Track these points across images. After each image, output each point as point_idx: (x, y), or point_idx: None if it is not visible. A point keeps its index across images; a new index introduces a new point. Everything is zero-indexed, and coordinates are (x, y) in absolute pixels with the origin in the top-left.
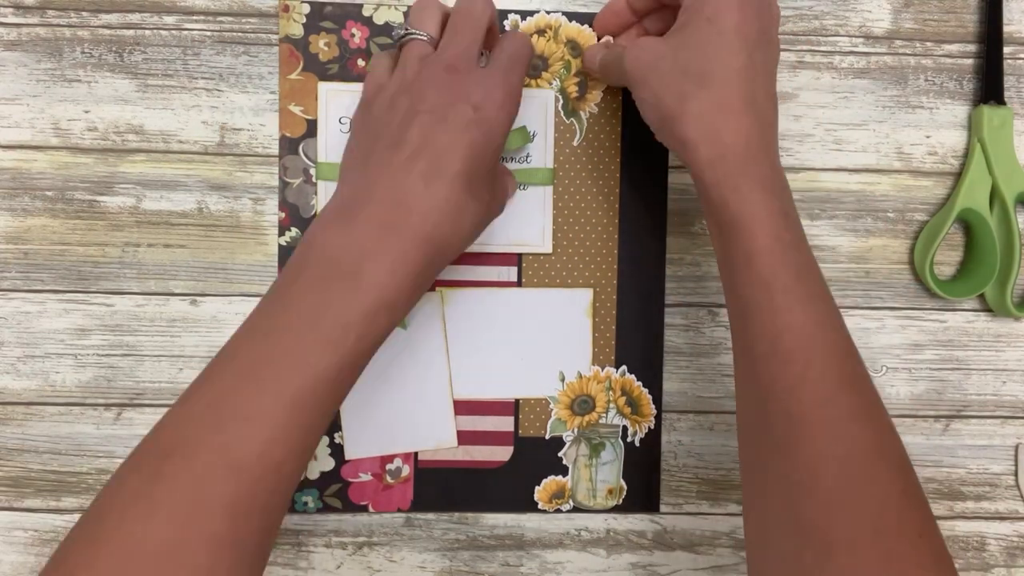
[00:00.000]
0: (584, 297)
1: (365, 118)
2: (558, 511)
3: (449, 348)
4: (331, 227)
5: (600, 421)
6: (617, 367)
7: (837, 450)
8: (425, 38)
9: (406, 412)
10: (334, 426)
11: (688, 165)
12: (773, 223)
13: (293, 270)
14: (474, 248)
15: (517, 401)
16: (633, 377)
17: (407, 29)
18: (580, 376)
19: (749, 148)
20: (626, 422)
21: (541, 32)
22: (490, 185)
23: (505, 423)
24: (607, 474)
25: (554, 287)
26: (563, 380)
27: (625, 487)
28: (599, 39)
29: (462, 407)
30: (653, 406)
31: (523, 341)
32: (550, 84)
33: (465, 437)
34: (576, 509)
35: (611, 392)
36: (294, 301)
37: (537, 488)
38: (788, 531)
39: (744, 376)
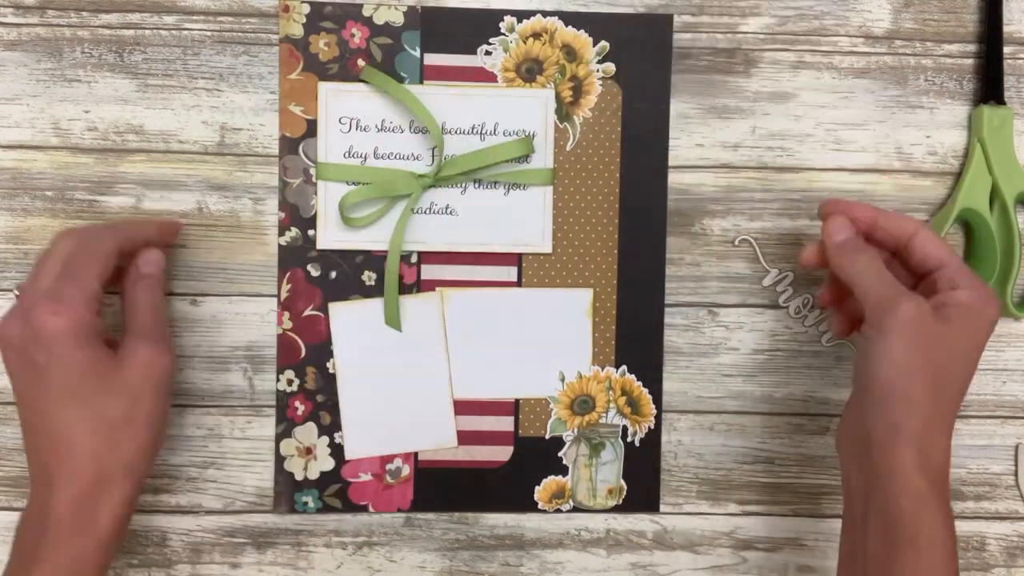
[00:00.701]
0: (584, 297)
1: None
2: (558, 511)
3: (449, 348)
4: (22, 513)
5: (600, 421)
6: (617, 367)
7: None
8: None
9: (406, 412)
10: (334, 426)
11: (878, 441)
12: (943, 512)
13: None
14: (474, 248)
15: (517, 401)
16: (633, 377)
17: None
18: (580, 376)
19: (944, 463)
20: (626, 422)
21: (537, 36)
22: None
23: (505, 423)
24: (607, 474)
25: (554, 287)
26: (563, 380)
27: (625, 487)
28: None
29: (462, 407)
30: (653, 406)
31: (523, 341)
32: (544, 87)
33: (465, 437)
34: (576, 509)
35: (611, 392)
36: None
37: (537, 488)
38: None
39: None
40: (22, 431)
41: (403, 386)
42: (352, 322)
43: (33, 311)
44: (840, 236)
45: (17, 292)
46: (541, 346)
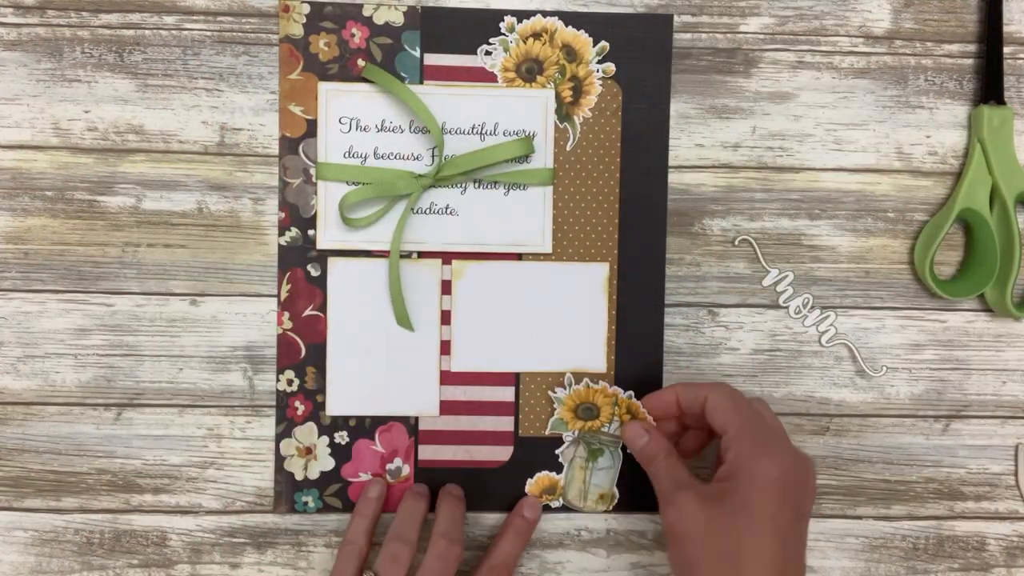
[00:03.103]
0: (600, 271)
1: None
2: (547, 508)
3: (454, 319)
4: None
5: (603, 429)
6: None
7: None
8: None
9: (392, 377)
10: (334, 426)
11: None
12: None
13: None
14: (474, 248)
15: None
16: (639, 403)
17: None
18: (588, 386)
19: None
20: None
21: (537, 36)
22: None
23: (505, 423)
24: (601, 479)
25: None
26: (570, 385)
27: (617, 495)
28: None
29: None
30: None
31: (537, 314)
32: (544, 87)
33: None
34: (564, 508)
35: (616, 408)
36: None
37: (529, 481)
38: None
39: None
40: None
41: (392, 350)
42: (350, 280)
43: None
44: (638, 443)
45: None
46: (555, 320)
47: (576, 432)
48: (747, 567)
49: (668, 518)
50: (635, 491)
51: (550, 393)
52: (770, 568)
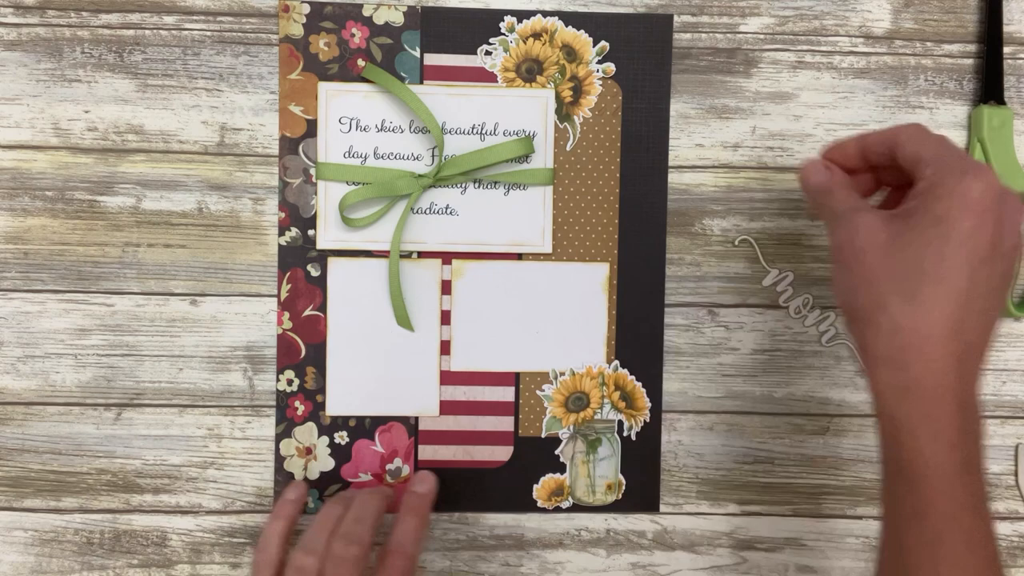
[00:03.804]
0: (600, 271)
1: None
2: (558, 509)
3: (454, 319)
4: None
5: (595, 417)
6: (610, 363)
7: None
8: None
9: (392, 377)
10: (334, 426)
11: (866, 376)
12: (949, 483)
13: None
14: (474, 248)
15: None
16: (626, 372)
17: None
18: (573, 373)
19: (939, 387)
20: (621, 416)
21: (537, 36)
22: None
23: (505, 423)
24: (605, 469)
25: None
26: (556, 378)
27: (624, 481)
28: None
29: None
30: (648, 399)
31: (538, 315)
32: (544, 87)
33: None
34: (576, 506)
35: (604, 388)
36: None
37: (536, 486)
38: None
39: None
40: None
41: (392, 350)
42: (350, 280)
43: None
44: (814, 178)
45: None
46: (555, 320)
47: (571, 427)
48: (926, 291)
49: (839, 236)
50: (636, 479)
51: (539, 392)
52: (952, 297)
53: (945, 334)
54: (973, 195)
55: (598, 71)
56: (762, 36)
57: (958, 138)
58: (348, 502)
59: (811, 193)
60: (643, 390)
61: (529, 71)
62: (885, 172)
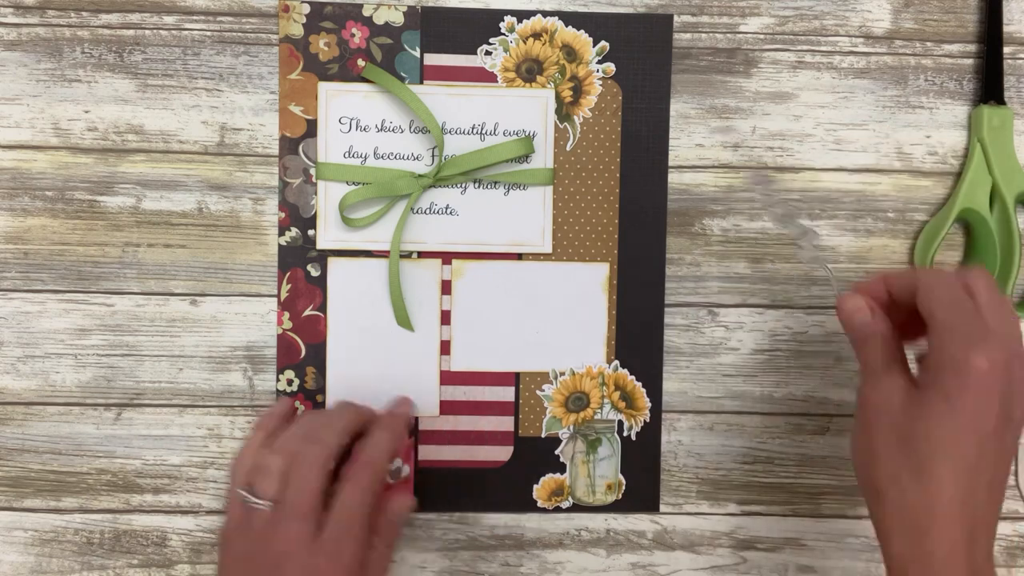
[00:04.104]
0: (600, 272)
1: (222, 560)
2: (558, 509)
3: (454, 319)
4: None
5: (595, 417)
6: (609, 363)
7: None
8: (264, 507)
9: (392, 377)
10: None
11: (880, 543)
12: None
13: None
14: (474, 248)
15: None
16: (626, 372)
17: (248, 489)
18: (573, 373)
19: (949, 559)
20: (621, 416)
21: (537, 36)
22: None
23: (505, 423)
24: (605, 469)
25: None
26: (556, 378)
27: (624, 481)
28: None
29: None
30: (648, 399)
31: (537, 315)
32: (544, 87)
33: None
34: (576, 506)
35: (604, 388)
36: None
37: (536, 486)
38: None
39: None
40: None
41: (392, 350)
42: (350, 280)
43: (319, 567)
44: (857, 319)
45: (258, 503)
46: (555, 320)
47: (571, 427)
48: (936, 467)
49: (865, 392)
50: (636, 479)
51: (539, 392)
52: (961, 473)
53: (955, 509)
54: (980, 371)
55: (598, 71)
56: (762, 36)
57: (958, 138)
58: (325, 413)
59: (851, 334)
60: (643, 390)
61: (529, 71)
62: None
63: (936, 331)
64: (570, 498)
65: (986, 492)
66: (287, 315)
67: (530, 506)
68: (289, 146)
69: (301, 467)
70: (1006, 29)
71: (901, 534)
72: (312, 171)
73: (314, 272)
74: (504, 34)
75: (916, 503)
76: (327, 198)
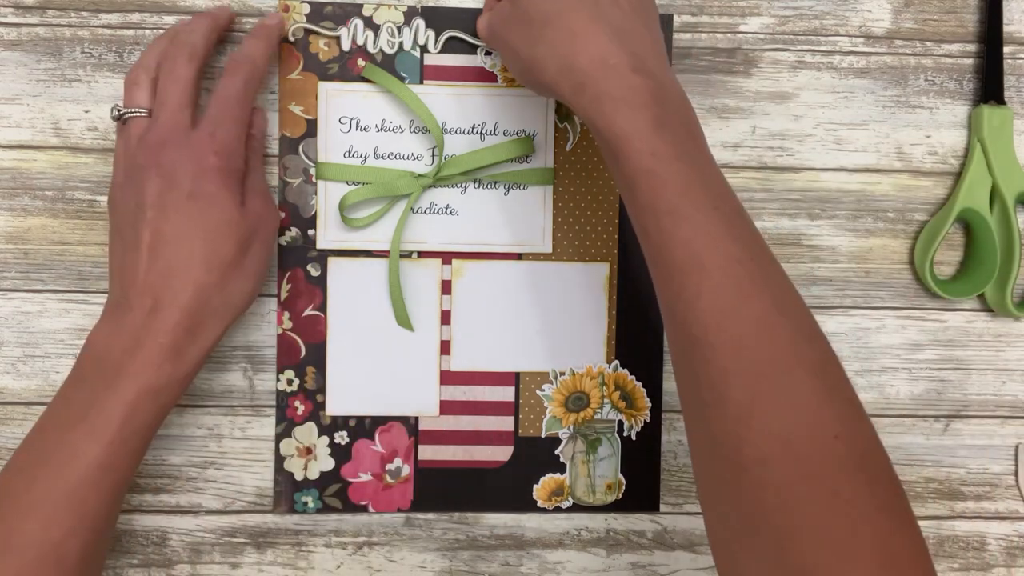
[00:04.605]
0: (601, 271)
1: (110, 205)
2: (558, 509)
3: (454, 319)
4: (99, 326)
5: (595, 417)
6: (609, 363)
7: (739, 364)
8: (141, 114)
9: (392, 377)
10: (334, 426)
11: (567, 105)
12: (644, 140)
13: (73, 370)
14: (474, 248)
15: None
16: (626, 371)
17: (122, 106)
18: (573, 373)
19: (606, 65)
20: (621, 416)
21: None
22: (246, 236)
23: (505, 423)
24: (605, 469)
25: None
26: (556, 378)
27: (624, 481)
28: None
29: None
30: (648, 399)
31: (538, 314)
32: None
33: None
34: (576, 506)
35: (604, 388)
36: (68, 399)
37: (536, 486)
38: (707, 452)
39: (662, 309)
40: (121, 250)
41: (392, 350)
42: (350, 280)
43: (195, 139)
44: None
45: (131, 110)
46: (555, 320)
47: (571, 427)
48: (551, 9)
49: (483, 30)
50: (637, 479)
51: (539, 392)
52: (572, 6)
53: (589, 28)
54: None
55: None
56: (762, 36)
57: (958, 138)
58: (189, 20)
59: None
60: (643, 390)
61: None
62: None
63: None
64: (570, 498)
65: (617, 15)
66: (287, 315)
67: (530, 506)
68: (289, 146)
69: (169, 67)
70: (1006, 29)
71: (560, 74)
72: (312, 171)
73: (314, 272)
74: None
75: (556, 39)
76: (327, 198)
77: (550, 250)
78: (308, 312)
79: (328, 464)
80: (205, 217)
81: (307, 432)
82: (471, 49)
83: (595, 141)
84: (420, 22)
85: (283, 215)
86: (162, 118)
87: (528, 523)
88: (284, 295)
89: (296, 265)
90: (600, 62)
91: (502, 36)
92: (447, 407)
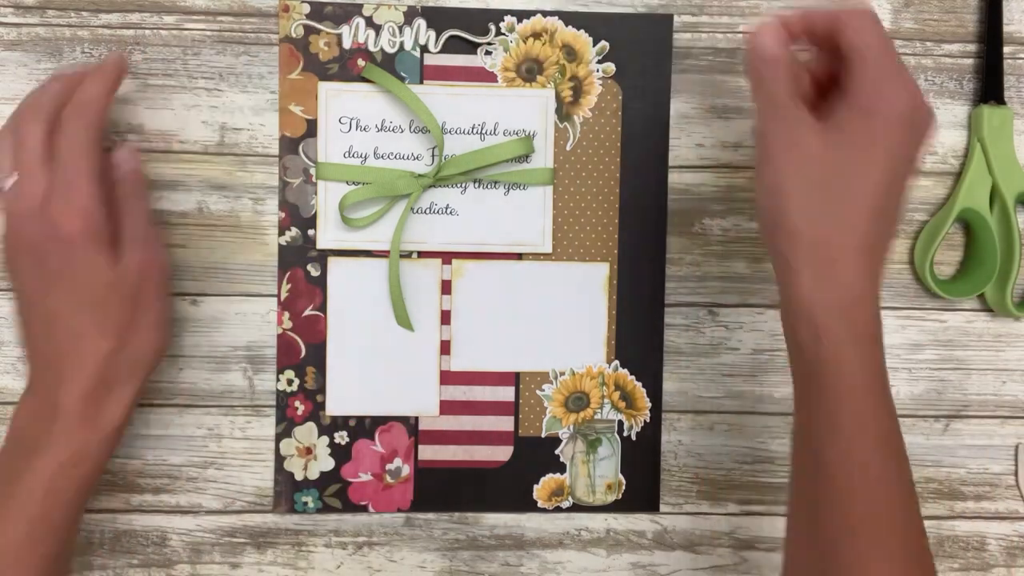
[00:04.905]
0: (600, 272)
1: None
2: (558, 509)
3: (454, 319)
4: (20, 401)
5: (595, 417)
6: (610, 363)
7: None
8: (8, 181)
9: (392, 377)
10: (334, 426)
11: (783, 282)
12: (864, 382)
13: (3, 443)
14: (474, 248)
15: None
16: (626, 372)
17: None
18: (573, 373)
19: (856, 284)
20: (621, 416)
21: (537, 36)
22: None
23: (505, 423)
24: (605, 469)
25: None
26: (556, 378)
27: (624, 481)
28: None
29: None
30: (648, 399)
31: (537, 314)
32: (544, 87)
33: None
34: (576, 506)
35: (605, 388)
36: None
37: (536, 487)
38: None
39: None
40: (22, 326)
41: (392, 350)
42: (350, 280)
43: (49, 210)
44: (765, 43)
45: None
46: (555, 320)
47: (571, 427)
48: (852, 204)
49: (775, 126)
50: (636, 479)
51: (539, 392)
52: (873, 211)
53: (866, 242)
54: (903, 117)
55: (598, 71)
56: None
57: (958, 138)
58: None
59: (759, 63)
60: (643, 390)
61: (529, 71)
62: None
63: (861, 71)
64: (570, 498)
65: (887, 230)
66: (287, 315)
67: (530, 506)
68: (289, 146)
69: (21, 127)
70: (1006, 29)
71: (812, 266)
72: (312, 171)
73: (314, 272)
74: (504, 34)
75: (829, 238)
76: (327, 198)
77: (550, 250)
78: (308, 312)
79: (328, 464)
80: (82, 287)
81: (307, 432)
82: (471, 49)
83: (788, 330)
84: (421, 22)
85: (283, 215)
86: (22, 187)
87: (528, 523)
88: (284, 295)
89: (296, 265)
90: (853, 279)
91: (807, 158)
92: (447, 407)
